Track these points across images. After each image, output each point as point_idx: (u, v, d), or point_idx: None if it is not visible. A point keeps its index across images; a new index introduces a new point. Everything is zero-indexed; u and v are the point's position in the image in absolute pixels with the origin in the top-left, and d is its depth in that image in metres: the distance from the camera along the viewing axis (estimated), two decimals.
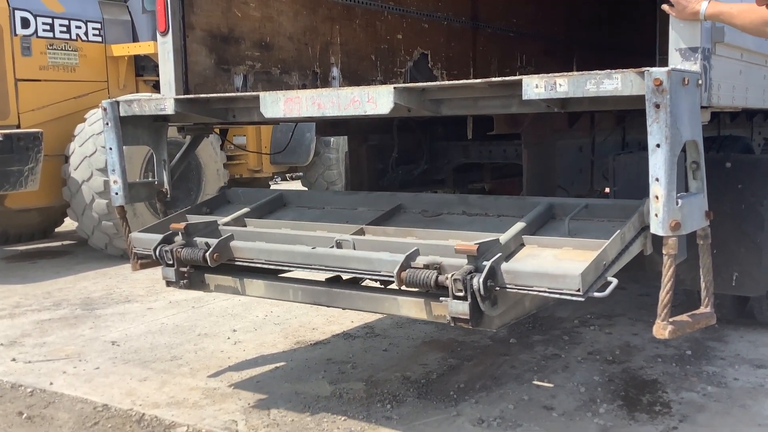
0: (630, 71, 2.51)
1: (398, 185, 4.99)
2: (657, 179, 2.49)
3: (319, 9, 4.87)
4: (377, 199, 3.76)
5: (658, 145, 2.47)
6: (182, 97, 3.83)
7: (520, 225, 3.04)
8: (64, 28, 8.44)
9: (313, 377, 4.18)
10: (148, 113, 3.81)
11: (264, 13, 4.51)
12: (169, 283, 3.58)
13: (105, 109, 3.85)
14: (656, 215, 2.51)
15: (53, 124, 8.18)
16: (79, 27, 8.58)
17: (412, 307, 2.99)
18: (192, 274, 3.56)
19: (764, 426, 3.43)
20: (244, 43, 4.40)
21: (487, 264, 2.67)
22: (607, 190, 4.16)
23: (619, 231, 2.77)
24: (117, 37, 8.97)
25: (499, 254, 2.75)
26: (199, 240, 3.52)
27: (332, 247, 3.21)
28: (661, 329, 2.66)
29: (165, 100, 3.73)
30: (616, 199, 3.15)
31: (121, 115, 3.86)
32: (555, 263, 2.78)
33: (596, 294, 2.59)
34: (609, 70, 2.56)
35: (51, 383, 4.24)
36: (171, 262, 3.51)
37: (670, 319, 2.67)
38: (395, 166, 4.96)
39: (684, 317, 2.75)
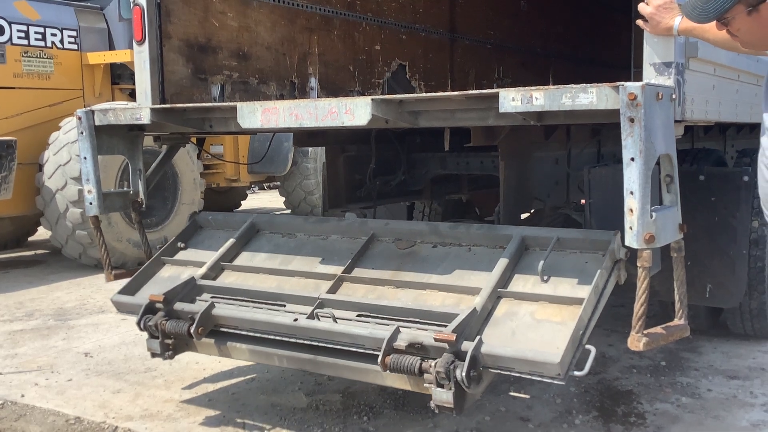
0: (605, 85, 2.54)
1: (376, 196, 4.99)
2: (631, 192, 2.51)
3: (297, 19, 4.87)
4: (349, 227, 3.74)
5: (632, 159, 2.50)
6: (158, 106, 3.81)
7: (495, 275, 3.07)
8: (39, 36, 8.36)
9: (290, 389, 4.16)
10: (123, 122, 3.79)
11: (242, 23, 4.50)
12: (154, 355, 3.57)
13: (80, 118, 3.82)
14: (631, 228, 2.54)
15: (27, 132, 8.09)
16: (54, 34, 8.51)
17: (396, 380, 3.01)
18: (177, 342, 3.55)
19: None
20: (221, 52, 4.39)
21: (468, 352, 2.71)
22: (583, 201, 4.19)
23: (593, 284, 2.85)
24: (93, 44, 8.90)
25: (478, 338, 2.78)
26: (181, 307, 3.51)
27: (313, 317, 3.22)
28: (636, 341, 2.68)
29: (141, 110, 3.70)
30: (587, 231, 3.17)
31: (96, 124, 3.83)
32: (533, 336, 2.83)
33: (575, 373, 2.69)
34: (584, 84, 2.58)
35: (22, 395, 4.18)
36: (156, 335, 3.50)
37: (645, 331, 2.70)
38: (373, 176, 4.96)
39: (658, 329, 2.78)
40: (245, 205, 14.01)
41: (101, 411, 3.92)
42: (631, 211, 2.52)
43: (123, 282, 6.29)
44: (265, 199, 16.51)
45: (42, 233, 9.38)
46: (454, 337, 2.74)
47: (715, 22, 2.56)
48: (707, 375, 4.27)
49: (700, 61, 2.95)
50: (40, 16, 8.38)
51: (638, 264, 2.62)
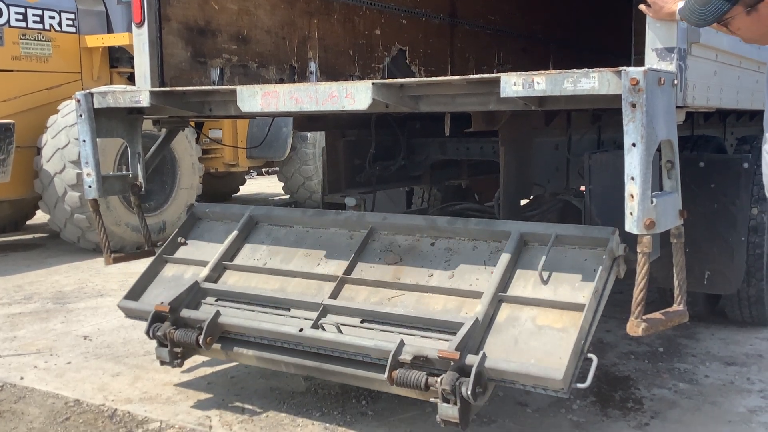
0: (607, 70, 2.53)
1: (375, 181, 4.98)
2: (632, 178, 2.51)
3: (296, 3, 4.84)
4: (346, 220, 3.75)
5: (633, 144, 2.49)
6: (157, 89, 3.79)
7: (495, 278, 3.10)
8: (38, 18, 8.31)
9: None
10: (122, 105, 3.77)
11: (241, 6, 4.48)
12: (163, 363, 3.63)
13: (79, 101, 3.81)
14: (631, 214, 2.53)
15: (25, 115, 8.06)
16: (52, 17, 8.46)
17: (402, 390, 3.05)
18: (185, 350, 3.60)
19: (734, 423, 3.49)
20: (220, 35, 4.36)
21: (473, 369, 2.76)
22: (583, 188, 4.18)
23: (593, 288, 2.89)
24: (91, 27, 8.85)
25: (482, 353, 2.83)
26: (188, 314, 3.56)
27: (317, 326, 3.27)
28: (635, 326, 2.69)
29: (140, 93, 3.69)
30: (585, 228, 3.19)
31: (95, 107, 3.82)
32: (536, 345, 2.89)
33: (578, 386, 2.75)
34: (586, 69, 2.58)
35: (21, 378, 4.19)
36: (165, 343, 3.55)
37: (644, 317, 2.70)
38: (372, 162, 4.94)
39: (657, 315, 2.78)
40: (244, 190, 13.99)
41: (100, 394, 3.93)
42: (632, 196, 2.52)
43: (121, 266, 6.29)
44: (264, 185, 16.49)
45: (40, 217, 9.38)
46: (458, 355, 2.80)
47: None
48: (705, 361, 4.29)
49: (702, 46, 2.93)
50: None
51: (638, 249, 2.62)
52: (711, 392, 3.84)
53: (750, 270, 4.42)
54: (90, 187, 3.90)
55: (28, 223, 9.92)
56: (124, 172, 4.20)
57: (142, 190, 4.17)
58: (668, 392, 3.84)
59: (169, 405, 3.76)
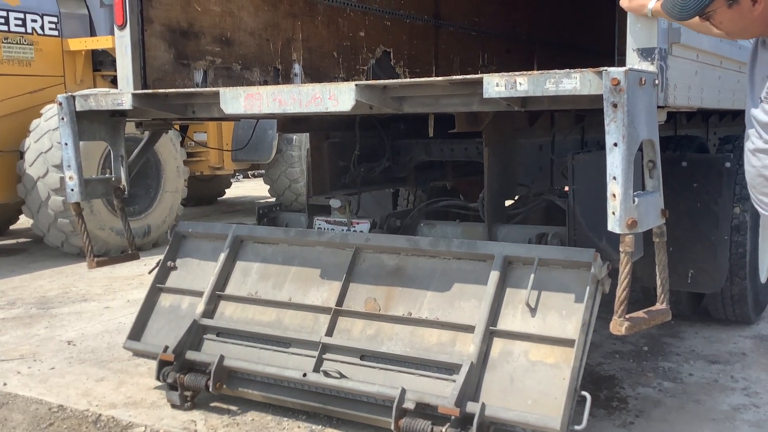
0: (588, 71, 2.55)
1: (360, 183, 4.97)
2: (614, 178, 2.53)
3: (280, 5, 4.83)
4: (331, 239, 3.81)
5: (615, 144, 2.51)
6: (140, 92, 3.78)
7: (485, 310, 3.17)
8: (20, 22, 8.25)
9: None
10: (105, 108, 3.76)
11: (224, 8, 4.46)
12: (174, 406, 3.72)
13: (61, 104, 3.79)
14: (613, 213, 2.55)
15: (8, 119, 8.00)
16: (35, 20, 8.40)
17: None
18: (194, 393, 3.74)
19: (718, 420, 3.51)
20: (204, 38, 4.35)
21: (474, 420, 2.91)
22: (567, 188, 4.20)
23: (581, 322, 2.98)
24: (74, 31, 8.80)
25: (482, 404, 2.96)
26: (193, 357, 3.69)
27: (319, 371, 3.41)
28: (618, 325, 2.70)
29: (122, 95, 3.67)
30: (567, 250, 3.24)
31: (77, 109, 3.80)
32: (531, 383, 3.01)
33: (576, 428, 2.87)
34: (568, 70, 2.59)
35: (5, 384, 4.15)
36: (175, 387, 3.68)
37: (627, 316, 2.72)
38: (357, 163, 4.93)
39: (640, 314, 2.80)
40: (229, 193, 13.96)
41: (84, 399, 3.90)
42: (614, 196, 2.53)
43: (105, 270, 6.25)
44: (250, 187, 16.45)
45: (24, 221, 9.30)
46: (458, 411, 2.92)
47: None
48: (689, 360, 4.31)
49: (683, 46, 2.95)
50: (20, 2, 8.27)
51: (621, 249, 2.63)
52: (695, 390, 3.86)
53: (733, 269, 4.45)
54: (72, 190, 3.88)
55: (11, 228, 9.84)
56: (107, 176, 4.18)
57: (126, 193, 4.15)
58: (653, 391, 3.86)
59: (154, 409, 3.74)
